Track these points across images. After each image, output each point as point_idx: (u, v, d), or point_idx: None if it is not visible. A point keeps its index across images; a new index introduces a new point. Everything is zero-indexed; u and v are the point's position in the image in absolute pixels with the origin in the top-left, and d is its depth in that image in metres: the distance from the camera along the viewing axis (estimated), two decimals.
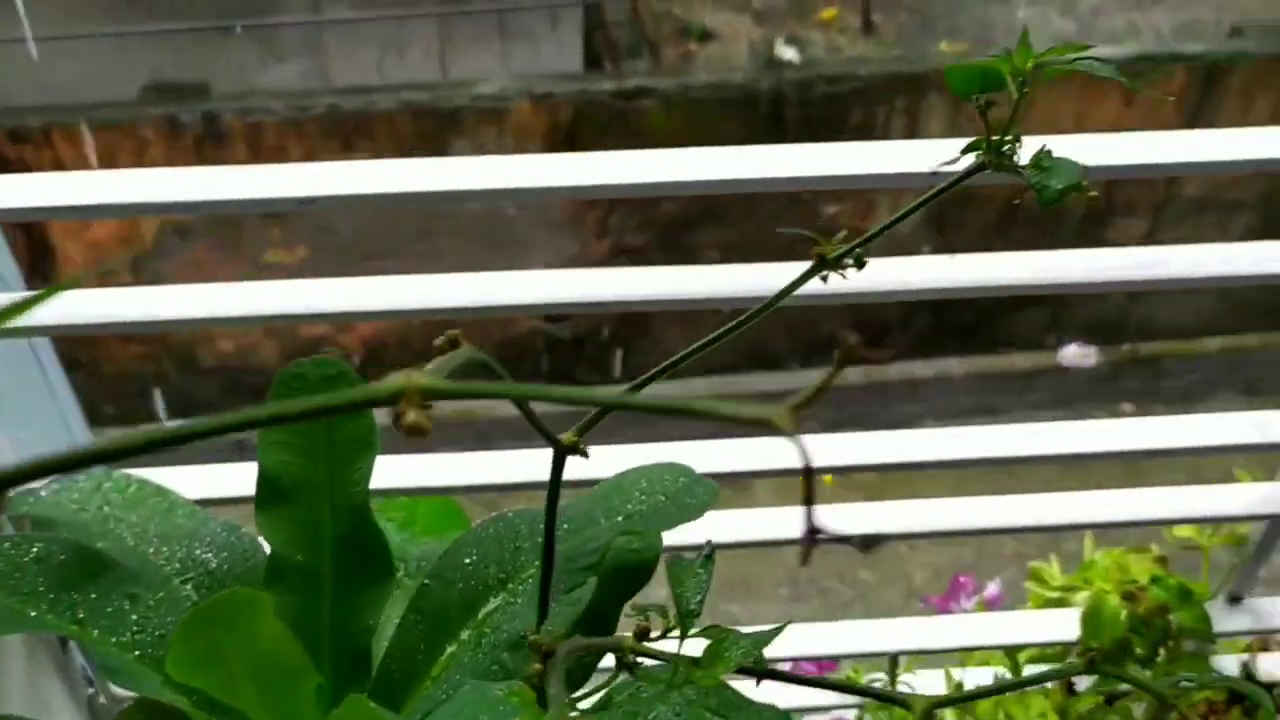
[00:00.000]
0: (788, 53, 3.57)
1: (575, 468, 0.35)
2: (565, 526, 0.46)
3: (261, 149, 3.46)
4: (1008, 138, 0.32)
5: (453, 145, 3.57)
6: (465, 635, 0.43)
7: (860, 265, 0.32)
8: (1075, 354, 3.66)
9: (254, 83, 3.77)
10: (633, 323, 3.83)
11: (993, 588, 0.78)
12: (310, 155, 3.45)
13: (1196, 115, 3.35)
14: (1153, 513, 0.60)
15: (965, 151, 0.33)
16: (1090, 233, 3.55)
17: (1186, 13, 3.82)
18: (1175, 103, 3.32)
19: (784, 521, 0.55)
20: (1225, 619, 0.65)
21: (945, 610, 0.79)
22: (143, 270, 3.24)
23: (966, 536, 0.55)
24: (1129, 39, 3.90)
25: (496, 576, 0.46)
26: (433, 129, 3.54)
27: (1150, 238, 3.57)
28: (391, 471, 0.51)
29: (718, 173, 0.43)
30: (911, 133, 3.50)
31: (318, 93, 3.60)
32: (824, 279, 0.33)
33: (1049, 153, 0.32)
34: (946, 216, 3.58)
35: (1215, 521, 0.61)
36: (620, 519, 0.47)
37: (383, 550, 0.42)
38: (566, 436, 0.31)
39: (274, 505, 0.39)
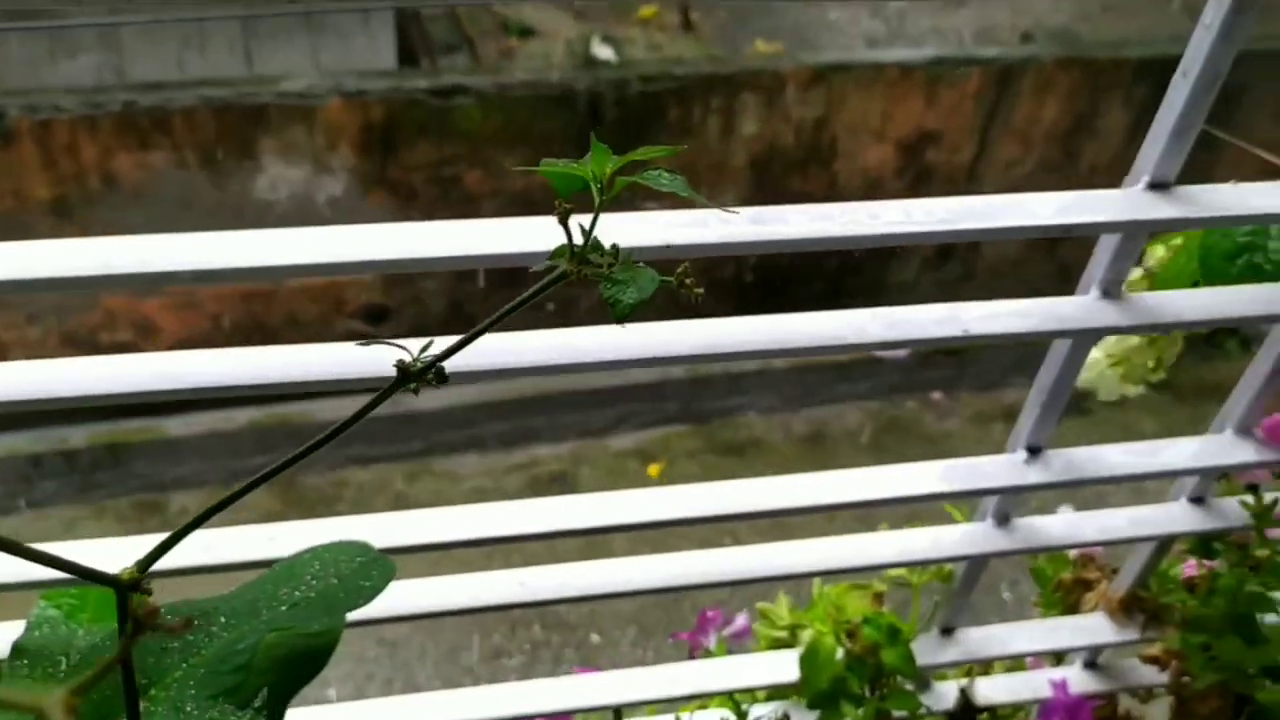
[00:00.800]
0: (604, 52, 3.57)
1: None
2: (223, 620, 0.44)
3: (52, 148, 3.26)
4: (603, 243, 0.32)
5: (259, 144, 3.45)
6: None
7: (442, 380, 0.31)
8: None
9: (43, 80, 3.56)
10: (462, 317, 3.77)
11: (741, 620, 0.78)
12: (105, 155, 3.28)
13: (992, 115, 3.50)
14: (866, 558, 0.61)
15: (552, 258, 0.32)
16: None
17: (986, 18, 3.99)
18: (973, 102, 3.46)
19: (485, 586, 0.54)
20: (938, 650, 0.68)
21: (695, 645, 0.79)
22: None
23: (674, 593, 0.55)
24: (932, 41, 4.06)
25: (139, 681, 0.43)
26: (237, 127, 3.40)
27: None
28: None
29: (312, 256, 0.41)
30: (727, 131, 3.55)
31: (112, 88, 3.42)
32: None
33: (630, 262, 0.31)
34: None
35: (921, 564, 0.63)
36: (285, 608, 0.45)
37: None
38: (127, 571, 0.29)
39: None
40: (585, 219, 0.35)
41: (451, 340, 0.34)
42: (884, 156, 3.64)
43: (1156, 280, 0.70)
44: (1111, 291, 0.51)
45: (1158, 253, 0.69)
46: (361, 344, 0.33)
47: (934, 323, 0.48)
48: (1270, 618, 0.65)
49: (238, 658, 0.43)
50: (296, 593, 0.46)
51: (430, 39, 4.03)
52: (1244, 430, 0.61)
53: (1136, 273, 0.70)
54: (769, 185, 3.76)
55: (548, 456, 3.88)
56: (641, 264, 0.32)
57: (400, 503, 3.53)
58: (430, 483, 3.74)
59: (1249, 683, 0.65)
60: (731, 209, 0.42)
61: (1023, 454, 0.58)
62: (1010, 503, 0.61)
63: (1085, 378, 0.68)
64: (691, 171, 3.63)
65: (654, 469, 3.73)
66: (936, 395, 3.74)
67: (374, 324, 3.70)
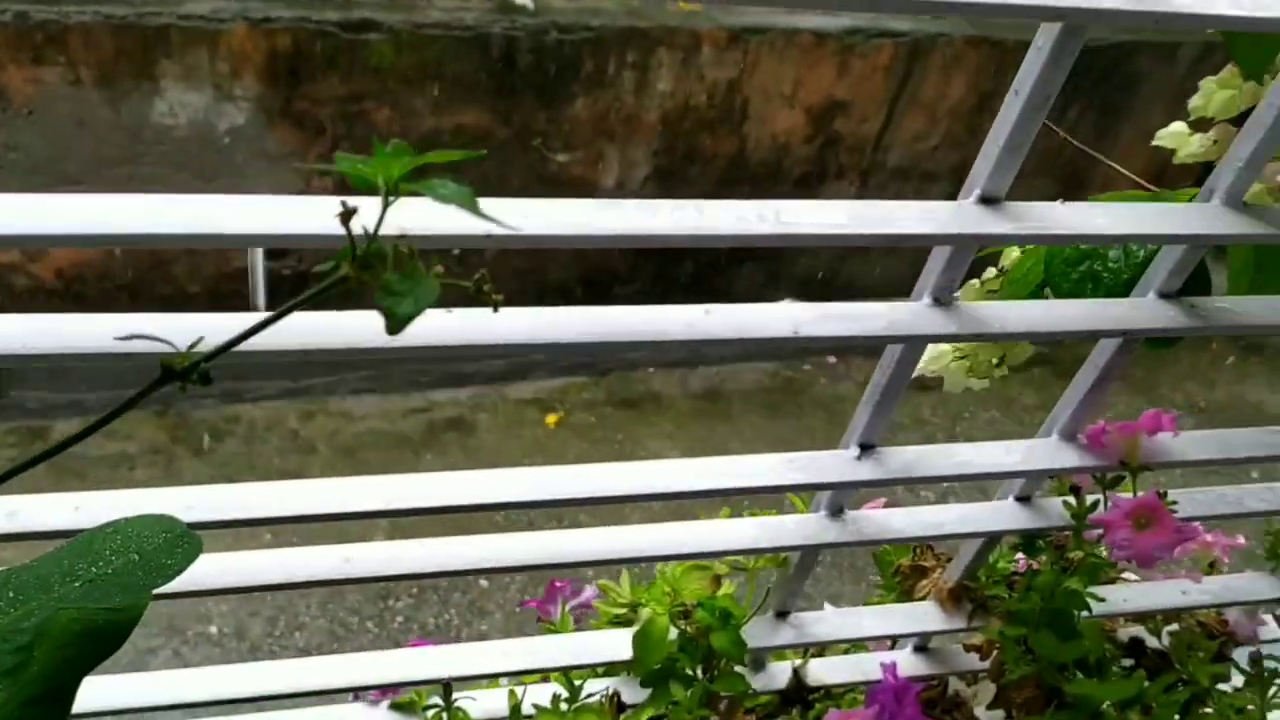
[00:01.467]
0: None
1: None
2: (11, 595, 0.43)
3: None
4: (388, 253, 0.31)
5: (160, 65, 3.32)
6: None
7: (207, 380, 0.31)
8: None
9: None
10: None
11: (589, 591, 0.79)
12: None
13: (901, 88, 3.53)
14: (702, 544, 0.62)
15: (337, 259, 0.31)
16: (806, 195, 3.70)
17: None
18: (884, 74, 3.49)
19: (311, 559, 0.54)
20: (772, 634, 0.69)
21: (545, 612, 0.80)
22: None
23: (514, 573, 0.55)
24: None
25: None
26: (137, 48, 3.28)
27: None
28: None
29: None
30: (641, 87, 3.52)
31: None
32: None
33: (414, 269, 0.31)
34: (675, 173, 3.65)
35: (754, 553, 0.64)
36: (79, 585, 0.44)
37: None
38: None
39: None
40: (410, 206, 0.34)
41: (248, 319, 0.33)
42: (794, 123, 3.66)
43: (1007, 280, 0.72)
44: (942, 299, 0.52)
45: (1012, 254, 0.71)
46: (121, 338, 0.32)
47: (767, 322, 0.49)
48: (1085, 613, 0.68)
49: (20, 636, 0.42)
50: (94, 568, 0.45)
51: None
52: (1069, 436, 0.64)
53: (990, 272, 0.72)
54: (679, 143, 3.75)
55: (446, 402, 3.85)
56: (427, 270, 0.31)
57: (292, 440, 3.48)
58: (325, 422, 3.68)
59: (1060, 675, 0.68)
60: (512, 227, 0.42)
61: (855, 450, 0.59)
62: (844, 496, 0.62)
63: (934, 368, 0.69)
64: (604, 125, 3.60)
65: (551, 419, 3.73)
66: (831, 359, 3.80)
67: (277, 259, 3.61)
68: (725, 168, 3.65)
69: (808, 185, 3.76)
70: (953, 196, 0.48)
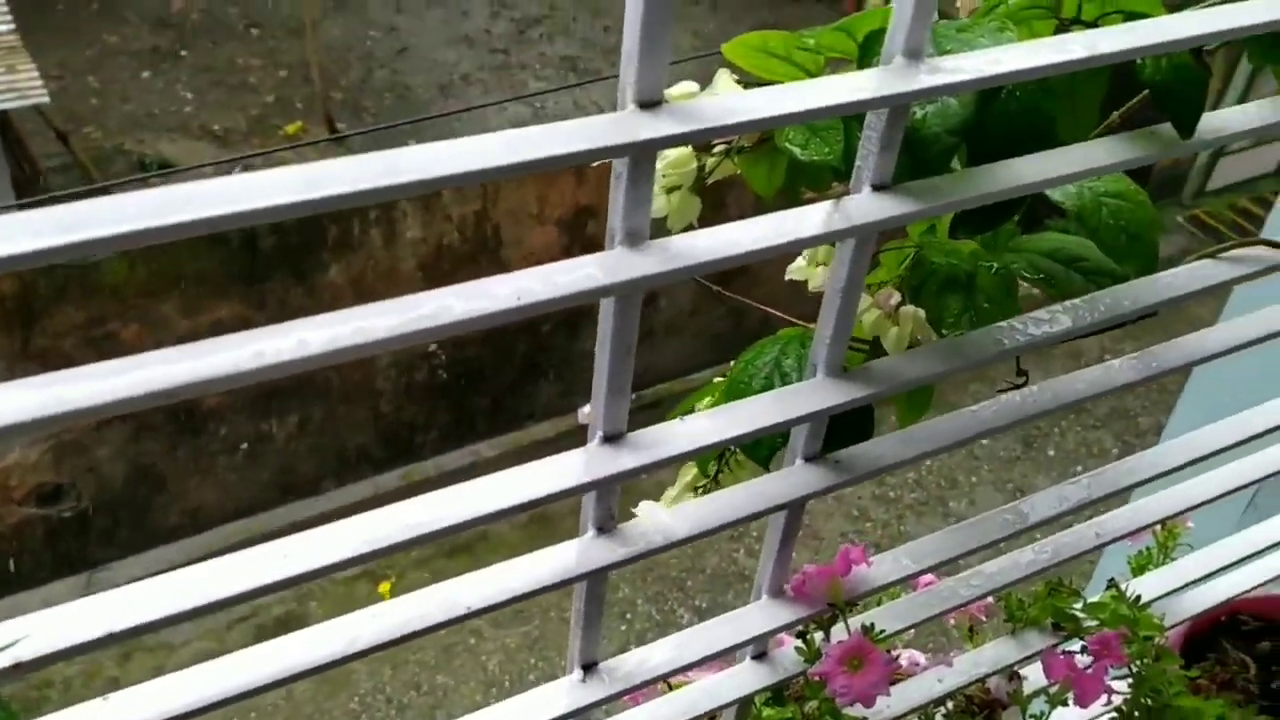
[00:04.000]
0: None
1: None
2: None
3: None
4: None
5: None
6: None
7: None
8: (590, 412, 3.89)
9: None
10: (149, 478, 3.54)
11: None
12: None
13: None
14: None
15: None
16: None
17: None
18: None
19: None
20: None
21: None
22: None
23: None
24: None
25: None
26: None
27: None
28: None
29: None
30: (390, 240, 3.54)
31: None
32: None
33: None
34: None
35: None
36: None
37: None
38: None
39: None
40: None
41: None
42: (548, 237, 3.73)
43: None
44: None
45: None
46: None
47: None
48: None
49: None
50: None
51: (52, 191, 3.79)
52: (776, 592, 0.67)
53: None
54: (442, 284, 3.73)
55: (270, 603, 3.71)
56: None
57: (115, 688, 3.26)
58: (145, 660, 3.50)
59: None
60: None
61: (579, 674, 0.61)
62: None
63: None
64: (363, 286, 3.59)
65: (384, 587, 3.64)
66: None
67: (50, 505, 3.42)
68: None
69: None
70: None
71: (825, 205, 0.50)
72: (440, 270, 3.65)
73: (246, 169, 3.84)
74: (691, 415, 0.56)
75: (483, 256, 3.64)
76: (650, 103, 0.44)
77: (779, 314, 0.78)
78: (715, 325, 4.10)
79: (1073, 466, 4.44)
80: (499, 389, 3.92)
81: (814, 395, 0.56)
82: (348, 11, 4.76)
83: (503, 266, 3.67)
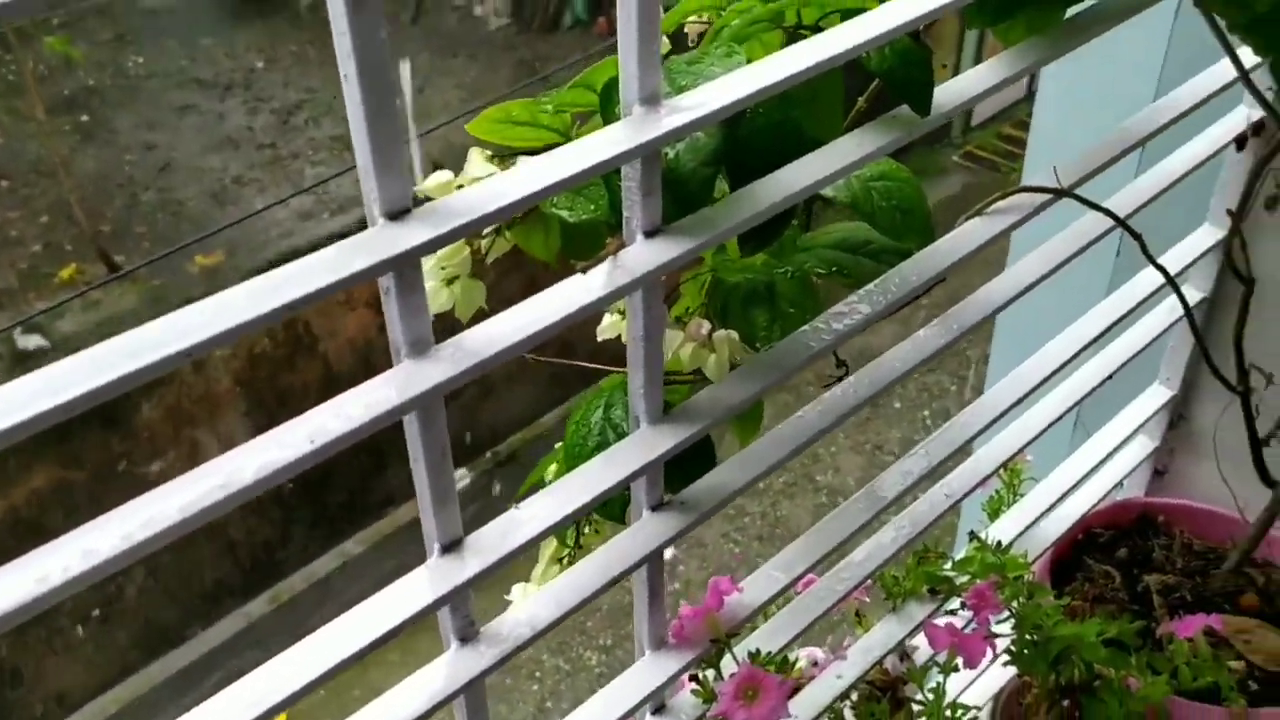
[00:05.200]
0: (31, 341, 3.28)
1: None
2: None
3: None
4: None
5: None
6: None
7: None
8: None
9: None
10: (0, 675, 3.30)
11: None
12: None
13: None
14: None
15: None
16: None
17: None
18: None
19: None
20: None
21: None
22: None
23: None
24: (355, 205, 4.13)
25: None
26: None
27: None
28: None
29: None
30: (200, 362, 3.40)
31: None
32: None
33: None
34: (276, 419, 3.53)
35: None
36: None
37: None
38: None
39: None
40: None
41: None
42: (362, 320, 3.66)
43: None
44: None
45: None
46: None
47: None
48: None
49: None
50: None
51: None
52: (659, 644, 0.66)
53: None
54: (266, 392, 3.64)
55: None
56: None
57: None
58: None
59: None
60: None
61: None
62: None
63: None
64: (183, 416, 3.44)
65: None
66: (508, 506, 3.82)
67: None
68: (322, 386, 3.59)
69: None
70: None
71: (605, 264, 0.50)
72: (259, 380, 3.53)
73: (30, 330, 3.63)
74: (528, 501, 0.55)
75: (299, 356, 3.54)
76: (400, 212, 0.42)
77: (597, 366, 0.78)
78: (554, 366, 4.09)
79: (919, 412, 4.60)
80: (350, 483, 3.81)
81: (640, 449, 0.56)
82: (97, 141, 4.57)
83: (323, 361, 3.58)
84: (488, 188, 0.45)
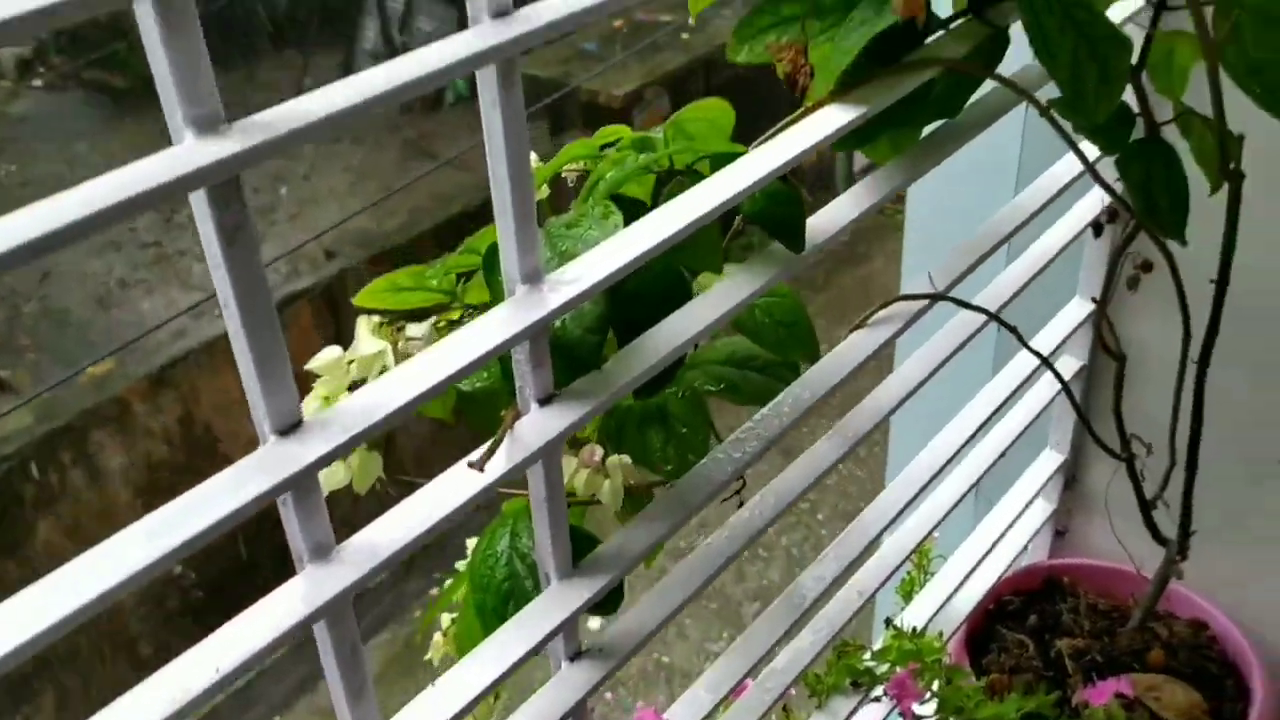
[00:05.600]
0: None
1: None
2: None
3: None
4: None
5: None
6: None
7: None
8: None
9: None
10: None
11: None
12: None
13: (338, 328, 3.57)
14: None
15: None
16: None
17: (286, 243, 4.05)
18: (312, 327, 3.51)
19: None
20: None
21: None
22: None
23: None
24: None
25: None
26: None
27: None
28: None
29: None
30: (96, 475, 3.29)
31: None
32: None
33: None
34: None
35: None
36: None
37: None
38: None
39: None
40: None
41: None
42: None
43: None
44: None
45: None
46: None
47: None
48: None
49: None
50: None
51: None
52: None
53: None
54: (168, 500, 3.50)
55: None
56: None
57: None
58: None
59: None
60: None
61: None
62: None
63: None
64: (79, 533, 3.31)
65: None
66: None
67: None
68: None
69: None
70: None
71: (504, 443, 0.50)
72: (160, 489, 3.42)
73: None
74: (445, 677, 0.54)
75: (201, 459, 3.44)
76: (290, 427, 0.42)
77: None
78: (464, 443, 4.05)
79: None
80: (262, 581, 3.70)
81: (554, 609, 0.56)
82: None
83: (227, 463, 3.47)
84: (378, 391, 0.45)
